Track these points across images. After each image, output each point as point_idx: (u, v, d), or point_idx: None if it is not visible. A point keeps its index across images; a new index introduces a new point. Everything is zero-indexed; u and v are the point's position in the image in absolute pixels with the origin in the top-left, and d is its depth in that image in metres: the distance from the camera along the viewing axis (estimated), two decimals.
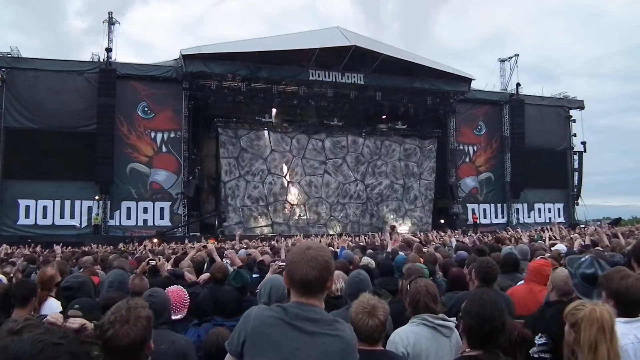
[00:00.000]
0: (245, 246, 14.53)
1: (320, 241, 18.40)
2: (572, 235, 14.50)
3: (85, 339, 1.61)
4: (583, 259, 3.90)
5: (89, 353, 1.57)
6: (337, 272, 5.66)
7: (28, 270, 9.19)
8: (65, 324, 2.79)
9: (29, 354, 1.44)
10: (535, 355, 3.52)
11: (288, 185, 36.32)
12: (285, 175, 36.13)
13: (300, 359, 2.35)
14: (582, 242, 10.04)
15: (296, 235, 18.65)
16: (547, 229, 16.23)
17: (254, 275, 7.52)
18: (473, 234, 20.06)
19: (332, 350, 2.39)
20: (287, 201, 36.21)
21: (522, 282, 5.73)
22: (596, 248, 8.39)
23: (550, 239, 12.61)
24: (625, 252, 7.32)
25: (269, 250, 11.72)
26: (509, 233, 17.25)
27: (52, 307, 4.72)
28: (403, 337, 3.63)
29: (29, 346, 1.46)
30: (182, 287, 5.09)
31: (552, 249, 8.61)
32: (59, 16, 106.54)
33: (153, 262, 7.39)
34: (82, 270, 7.49)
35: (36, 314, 4.29)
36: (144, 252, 14.61)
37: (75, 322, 2.80)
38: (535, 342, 3.56)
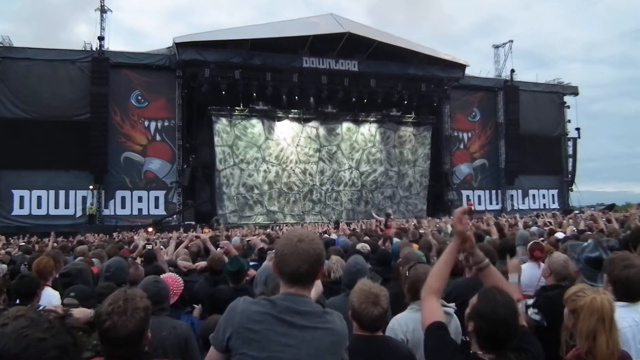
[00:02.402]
0: (239, 235, 14.55)
1: (316, 229, 18.44)
2: (565, 221, 14.52)
3: (74, 324, 1.54)
4: (586, 243, 3.90)
5: (76, 342, 1.50)
6: (335, 257, 5.67)
7: (19, 260, 9.14)
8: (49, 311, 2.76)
9: (13, 352, 1.36)
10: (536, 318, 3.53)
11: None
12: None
13: (290, 355, 2.29)
14: (574, 229, 10.05)
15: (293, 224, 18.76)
16: (542, 214, 16.26)
17: (251, 263, 7.51)
18: (469, 221, 20.08)
19: (323, 344, 2.34)
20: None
21: (525, 265, 5.76)
22: (587, 233, 8.39)
23: (545, 224, 12.63)
24: (621, 237, 7.35)
25: (266, 239, 11.69)
26: (504, 219, 17.24)
27: (49, 296, 4.70)
28: (402, 323, 3.62)
29: (13, 343, 1.38)
30: (175, 274, 5.07)
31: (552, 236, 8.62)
32: (51, 4, 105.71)
33: (149, 247, 7.34)
34: (77, 259, 7.46)
35: (34, 304, 4.27)
36: (138, 239, 14.56)
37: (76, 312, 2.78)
38: (529, 312, 3.58)
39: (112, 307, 2.61)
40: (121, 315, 2.58)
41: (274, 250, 6.50)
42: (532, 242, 6.40)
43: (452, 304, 3.71)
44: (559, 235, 8.61)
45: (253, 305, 2.39)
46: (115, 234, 21.17)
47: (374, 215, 24.55)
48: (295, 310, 2.35)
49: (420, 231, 11.71)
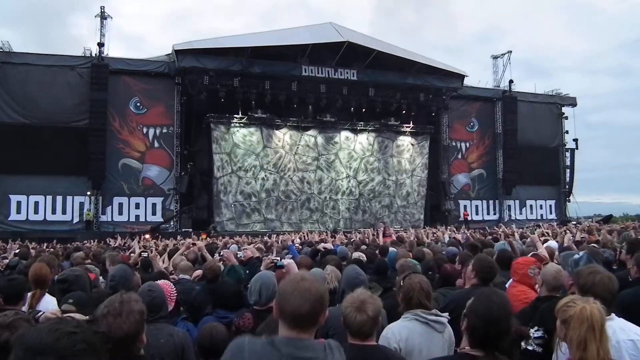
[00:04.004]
0: (235, 242, 14.57)
1: (312, 235, 18.45)
2: (562, 231, 14.57)
3: (96, 329, 1.64)
4: (577, 256, 3.92)
5: (102, 342, 1.61)
6: (330, 268, 5.69)
7: (16, 263, 9.14)
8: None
9: (46, 343, 1.47)
10: (529, 348, 3.54)
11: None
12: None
13: None
14: (571, 238, 10.09)
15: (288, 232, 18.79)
16: (541, 225, 16.30)
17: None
18: (466, 231, 20.12)
19: None
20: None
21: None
22: (591, 245, 8.42)
23: (542, 235, 12.67)
24: (617, 247, 7.38)
25: (262, 246, 11.73)
26: (500, 229, 17.27)
27: (48, 303, 4.71)
28: (395, 332, 3.64)
29: (45, 335, 1.49)
30: (168, 282, 5.10)
31: (544, 245, 8.65)
32: (51, 10, 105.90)
33: (145, 254, 7.35)
34: (74, 266, 7.46)
35: (33, 310, 4.29)
36: (137, 245, 14.58)
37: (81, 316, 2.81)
38: (531, 335, 3.59)
39: (108, 309, 2.66)
40: (116, 318, 2.62)
41: (271, 256, 6.51)
42: (531, 254, 6.40)
43: (446, 314, 3.75)
44: (552, 244, 8.65)
45: (259, 347, 2.32)
46: (112, 240, 21.09)
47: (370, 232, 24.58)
48: (298, 357, 2.28)
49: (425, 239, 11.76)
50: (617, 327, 3.13)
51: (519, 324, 3.53)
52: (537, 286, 4.67)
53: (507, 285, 5.62)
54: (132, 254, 10.10)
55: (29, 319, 2.63)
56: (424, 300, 3.77)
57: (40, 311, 3.70)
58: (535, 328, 3.65)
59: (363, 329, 3.20)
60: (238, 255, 7.31)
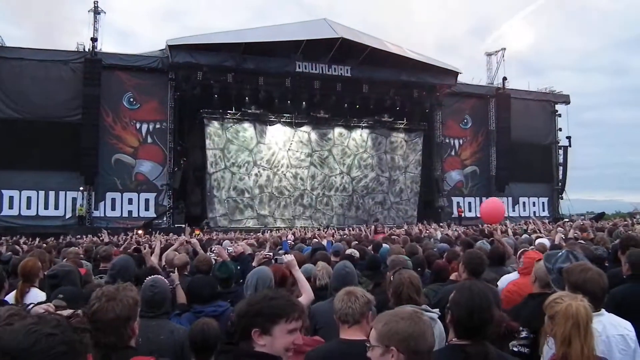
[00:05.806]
0: (230, 239, 14.56)
1: (306, 233, 18.43)
2: (557, 229, 14.58)
3: (78, 325, 1.58)
4: (559, 253, 3.95)
5: (83, 341, 1.55)
6: (321, 264, 5.71)
7: (5, 257, 9.12)
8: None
9: (23, 347, 1.39)
10: (515, 349, 3.55)
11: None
12: None
13: None
14: (562, 236, 10.10)
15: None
16: (530, 222, 16.30)
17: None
18: (458, 228, 20.15)
19: None
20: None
21: (513, 274, 5.72)
22: (579, 241, 8.44)
23: (534, 232, 12.70)
24: (610, 246, 7.40)
25: (255, 243, 11.72)
26: (492, 226, 17.27)
27: (36, 297, 4.69)
28: None
29: (22, 338, 1.41)
30: (162, 277, 5.09)
31: (536, 242, 8.66)
32: (44, 4, 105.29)
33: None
34: (65, 260, 7.45)
35: (21, 304, 4.27)
36: (129, 242, 14.57)
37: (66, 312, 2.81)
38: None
39: (103, 292, 2.71)
40: (109, 300, 2.68)
41: (263, 252, 6.49)
42: (521, 250, 6.40)
43: (436, 310, 3.75)
44: (544, 241, 8.66)
45: None
46: (104, 236, 20.97)
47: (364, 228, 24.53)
48: None
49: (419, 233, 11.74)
50: (608, 323, 3.15)
51: (511, 320, 3.55)
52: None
53: (498, 283, 5.65)
54: (126, 249, 10.06)
55: (25, 315, 2.60)
56: (414, 295, 3.77)
57: (30, 304, 3.68)
58: (521, 328, 3.67)
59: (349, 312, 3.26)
60: (228, 250, 7.31)
